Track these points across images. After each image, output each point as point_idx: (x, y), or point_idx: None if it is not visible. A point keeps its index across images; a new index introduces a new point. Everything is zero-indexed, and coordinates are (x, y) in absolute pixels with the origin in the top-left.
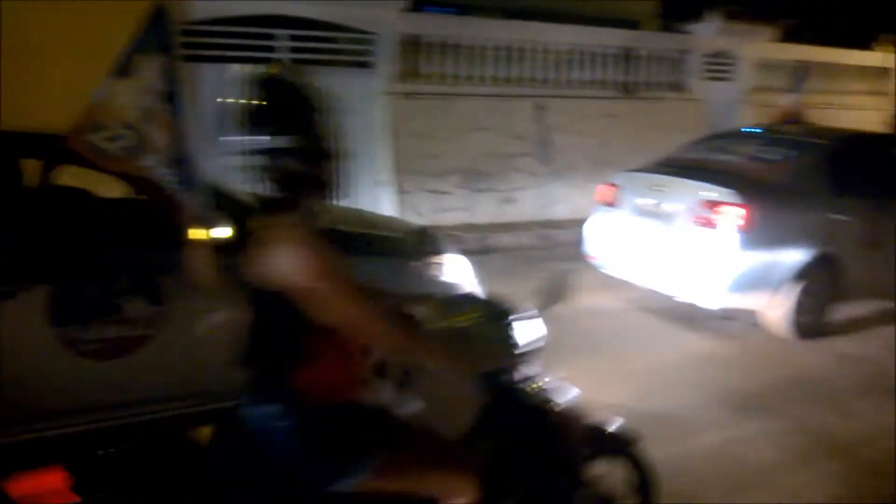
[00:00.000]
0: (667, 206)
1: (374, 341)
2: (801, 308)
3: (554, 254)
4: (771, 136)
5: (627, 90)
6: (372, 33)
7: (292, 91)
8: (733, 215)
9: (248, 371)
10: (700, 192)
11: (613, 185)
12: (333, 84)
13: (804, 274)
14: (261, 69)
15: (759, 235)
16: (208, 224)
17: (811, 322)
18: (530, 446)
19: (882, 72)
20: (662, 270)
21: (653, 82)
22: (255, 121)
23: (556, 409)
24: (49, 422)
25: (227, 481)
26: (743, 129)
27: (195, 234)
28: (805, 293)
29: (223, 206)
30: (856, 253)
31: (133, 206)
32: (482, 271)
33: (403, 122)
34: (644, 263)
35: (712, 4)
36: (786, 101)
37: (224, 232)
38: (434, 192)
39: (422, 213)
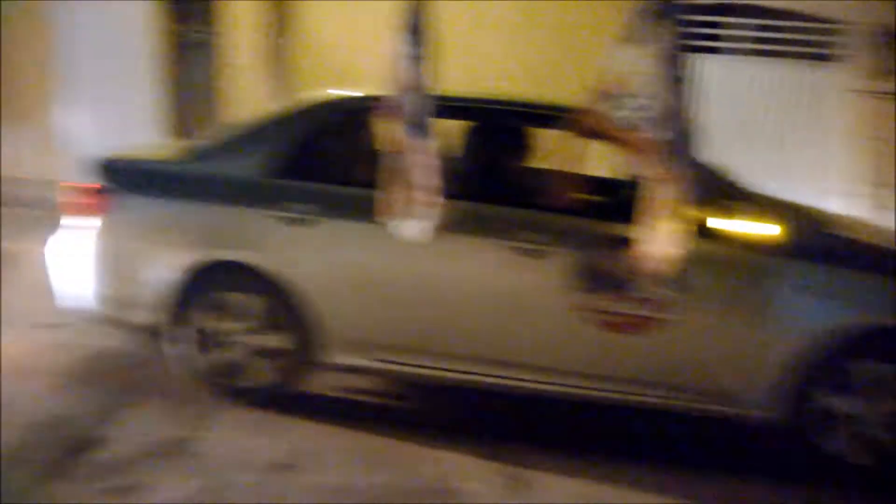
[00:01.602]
0: None
1: None
2: None
3: None
4: None
5: None
6: (840, 23)
7: None
8: None
9: None
10: None
11: None
12: (788, 79)
13: None
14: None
15: None
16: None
17: None
18: None
19: None
20: None
21: None
22: None
23: None
24: (551, 377)
25: None
26: None
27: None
28: None
29: (716, 191)
30: None
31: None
32: None
33: (874, 126)
34: None
35: None
36: None
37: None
38: None
39: None
